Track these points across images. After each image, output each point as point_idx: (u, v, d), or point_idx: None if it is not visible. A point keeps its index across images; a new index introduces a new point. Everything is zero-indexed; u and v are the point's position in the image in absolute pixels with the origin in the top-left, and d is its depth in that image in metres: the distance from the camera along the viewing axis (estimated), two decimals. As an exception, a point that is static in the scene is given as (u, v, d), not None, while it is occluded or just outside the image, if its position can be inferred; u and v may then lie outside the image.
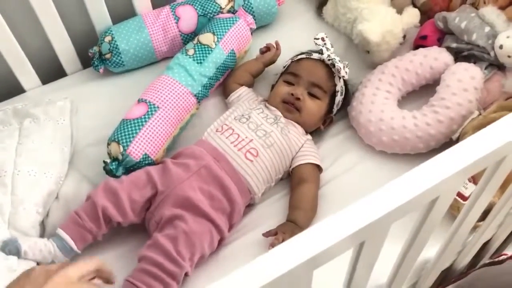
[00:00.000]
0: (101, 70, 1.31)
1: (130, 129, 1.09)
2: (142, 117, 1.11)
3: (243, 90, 1.24)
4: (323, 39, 1.21)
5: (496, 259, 1.18)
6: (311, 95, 1.17)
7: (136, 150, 1.07)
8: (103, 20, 1.31)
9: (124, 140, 1.07)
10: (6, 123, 1.17)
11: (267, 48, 1.30)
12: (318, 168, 1.13)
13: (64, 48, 1.32)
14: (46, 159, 1.10)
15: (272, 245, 0.97)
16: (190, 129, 1.22)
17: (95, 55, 1.29)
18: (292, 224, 1.02)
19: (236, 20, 1.28)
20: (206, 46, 1.23)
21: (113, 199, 0.99)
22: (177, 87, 1.17)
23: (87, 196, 1.01)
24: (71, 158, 1.15)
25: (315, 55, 1.21)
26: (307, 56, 1.22)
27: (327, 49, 1.20)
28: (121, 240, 1.05)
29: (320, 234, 0.55)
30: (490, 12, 1.20)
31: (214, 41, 1.24)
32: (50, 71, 1.35)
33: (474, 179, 0.99)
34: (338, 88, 1.20)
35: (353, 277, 0.71)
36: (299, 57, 1.23)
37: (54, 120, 1.17)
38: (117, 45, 1.27)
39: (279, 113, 1.15)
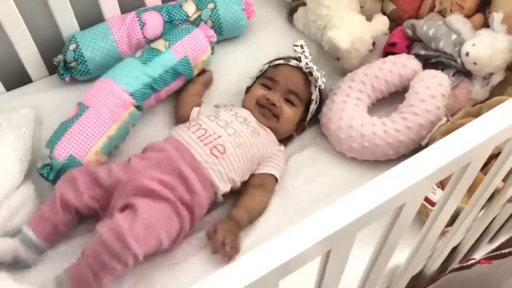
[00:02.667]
0: (67, 79, 1.27)
1: (58, 131, 1.09)
2: (71, 118, 1.10)
3: (199, 108, 1.22)
4: (302, 47, 1.21)
5: (465, 264, 1.20)
6: (288, 101, 1.16)
7: (61, 152, 1.06)
8: (70, 26, 1.28)
9: (52, 143, 1.08)
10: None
11: (203, 70, 1.29)
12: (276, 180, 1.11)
13: (29, 54, 1.28)
14: (2, 167, 1.06)
15: (214, 252, 0.96)
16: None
17: (60, 64, 1.26)
18: (232, 221, 1.00)
19: (192, 30, 1.26)
20: (154, 49, 1.21)
21: (71, 183, 1.00)
22: (110, 86, 1.14)
23: None
24: (29, 169, 1.11)
25: (293, 62, 1.20)
26: (285, 62, 1.21)
27: (306, 57, 1.19)
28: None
29: (286, 243, 0.54)
30: (457, 20, 1.22)
31: (164, 46, 1.21)
32: (15, 77, 1.31)
33: (442, 185, 1.00)
34: (313, 97, 1.20)
35: (321, 286, 0.70)
36: (277, 62, 1.22)
37: (17, 128, 1.13)
38: (82, 53, 1.24)
39: (250, 115, 1.14)
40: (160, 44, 1.22)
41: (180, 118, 1.22)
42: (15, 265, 0.98)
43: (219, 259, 0.96)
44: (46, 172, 1.06)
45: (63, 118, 1.12)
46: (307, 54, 1.20)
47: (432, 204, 0.99)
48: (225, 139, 1.06)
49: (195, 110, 1.20)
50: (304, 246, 0.54)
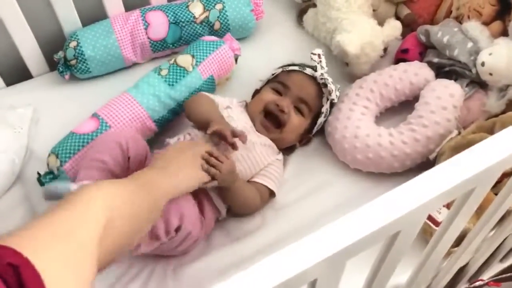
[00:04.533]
0: (66, 77, 1.25)
1: (73, 144, 1.02)
2: (90, 133, 1.04)
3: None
4: (319, 56, 1.14)
5: (472, 285, 1.14)
6: (297, 110, 1.10)
7: (74, 168, 1.01)
8: (71, 22, 1.26)
9: (64, 155, 1.01)
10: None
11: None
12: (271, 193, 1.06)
13: (30, 50, 1.26)
14: None
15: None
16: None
17: (60, 61, 1.23)
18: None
19: (220, 45, 1.21)
20: (182, 68, 1.15)
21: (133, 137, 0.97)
22: (136, 109, 1.09)
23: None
24: (20, 170, 1.08)
25: (308, 70, 1.15)
26: (300, 69, 1.15)
27: (322, 67, 1.13)
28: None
29: (268, 271, 0.50)
30: (474, 27, 1.15)
31: (192, 64, 1.16)
32: (15, 73, 1.29)
33: (447, 204, 0.94)
34: (323, 109, 1.14)
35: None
36: (291, 68, 1.16)
37: (12, 128, 1.11)
38: (82, 51, 1.21)
39: (250, 124, 1.08)
40: (187, 62, 1.16)
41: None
42: None
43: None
44: (48, 180, 1.01)
45: (76, 126, 1.07)
46: (323, 64, 1.14)
47: (437, 224, 0.93)
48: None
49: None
50: (287, 275, 0.50)
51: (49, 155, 1.03)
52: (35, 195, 1.06)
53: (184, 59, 1.17)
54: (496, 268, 1.32)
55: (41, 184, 1.02)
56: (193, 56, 1.17)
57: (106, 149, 0.94)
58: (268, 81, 1.17)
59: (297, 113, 1.10)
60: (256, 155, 1.04)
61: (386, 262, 0.67)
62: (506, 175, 0.83)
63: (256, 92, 1.18)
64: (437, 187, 0.54)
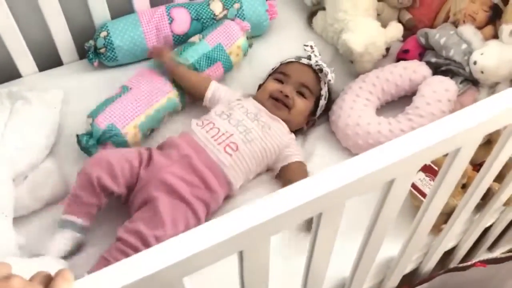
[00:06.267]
0: (95, 64, 1.37)
1: (102, 105, 1.20)
2: (114, 95, 1.22)
3: (214, 88, 1.26)
4: (311, 47, 1.28)
5: (460, 265, 1.23)
6: (300, 94, 1.23)
7: (103, 120, 1.16)
8: (102, 15, 1.38)
9: (95, 113, 1.18)
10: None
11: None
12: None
13: (63, 39, 1.37)
14: (32, 140, 1.14)
15: None
16: (174, 124, 1.29)
17: (90, 49, 1.35)
18: None
19: (224, 21, 1.36)
20: (190, 42, 1.33)
21: (107, 167, 1.04)
22: (152, 74, 1.26)
23: (81, 169, 1.06)
24: (52, 147, 1.20)
25: (304, 60, 1.28)
26: (297, 60, 1.29)
27: (315, 55, 1.27)
28: (105, 218, 1.09)
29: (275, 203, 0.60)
30: (468, 30, 1.27)
31: (199, 38, 1.32)
32: (48, 59, 1.41)
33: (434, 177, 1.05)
34: (322, 92, 1.27)
35: (312, 260, 0.75)
36: (289, 60, 1.30)
37: (46, 106, 1.22)
38: (111, 41, 1.33)
39: (261, 108, 1.20)
40: (195, 38, 1.34)
41: (194, 94, 1.28)
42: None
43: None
44: (85, 139, 1.14)
45: (105, 96, 1.24)
46: (316, 53, 1.28)
47: (424, 195, 1.03)
48: (237, 136, 1.13)
49: (211, 89, 1.25)
50: (295, 204, 0.60)
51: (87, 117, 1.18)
52: (66, 167, 1.17)
53: (193, 38, 1.35)
54: (485, 256, 1.41)
55: (82, 146, 1.15)
56: (200, 34, 1.35)
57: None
58: (270, 75, 1.30)
59: (300, 96, 1.23)
60: (274, 132, 1.17)
61: (381, 216, 0.77)
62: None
63: (260, 86, 1.31)
64: (430, 139, 0.65)
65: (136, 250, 0.94)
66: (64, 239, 1.02)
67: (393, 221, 0.81)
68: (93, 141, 1.15)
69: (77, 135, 1.17)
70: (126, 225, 0.99)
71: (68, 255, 1.03)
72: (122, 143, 1.17)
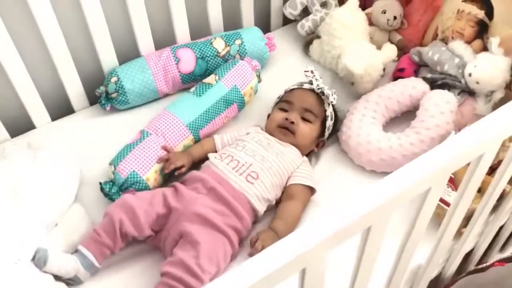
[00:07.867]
0: (107, 108, 1.41)
1: (123, 152, 1.24)
2: (135, 142, 1.26)
3: (220, 140, 1.32)
4: (312, 72, 1.35)
5: (480, 267, 1.28)
6: (304, 119, 1.30)
7: (125, 168, 1.19)
8: (110, 61, 1.43)
9: (116, 161, 1.22)
10: (20, 151, 1.24)
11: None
12: (310, 189, 1.22)
13: (74, 87, 1.42)
14: (57, 186, 1.16)
15: (251, 254, 1.06)
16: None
17: (101, 95, 1.40)
18: (272, 232, 1.11)
19: (237, 62, 1.42)
20: (207, 84, 1.37)
21: (129, 213, 1.08)
22: (170, 118, 1.30)
23: (104, 213, 1.10)
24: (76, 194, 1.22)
25: (306, 85, 1.35)
26: (299, 87, 1.36)
27: (316, 79, 1.34)
28: (137, 258, 1.12)
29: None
30: (459, 45, 1.36)
31: (215, 79, 1.37)
32: (60, 108, 1.45)
33: (455, 187, 1.12)
34: (328, 113, 1.33)
35: (359, 271, 0.80)
36: (292, 87, 1.37)
37: (66, 153, 1.25)
38: (122, 85, 1.39)
39: (271, 138, 1.27)
40: (211, 79, 1.39)
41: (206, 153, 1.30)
42: (68, 280, 1.06)
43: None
44: (108, 187, 1.18)
45: (120, 139, 1.30)
46: (317, 77, 1.34)
47: (448, 204, 1.09)
48: (256, 165, 1.19)
49: (217, 138, 1.32)
50: (347, 222, 0.65)
51: (109, 165, 1.22)
52: (93, 213, 1.20)
53: (209, 78, 1.40)
54: (498, 257, 1.47)
55: (105, 193, 1.19)
56: (216, 74, 1.39)
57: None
58: (276, 104, 1.37)
59: (305, 122, 1.30)
60: (287, 157, 1.23)
61: (417, 225, 0.83)
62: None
63: (268, 116, 1.37)
64: (458, 149, 0.71)
65: (181, 281, 0.97)
66: (67, 264, 1.04)
67: (424, 229, 0.87)
68: (116, 189, 1.19)
69: (100, 183, 1.20)
70: (170, 260, 1.02)
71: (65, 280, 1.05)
72: (144, 189, 1.20)
